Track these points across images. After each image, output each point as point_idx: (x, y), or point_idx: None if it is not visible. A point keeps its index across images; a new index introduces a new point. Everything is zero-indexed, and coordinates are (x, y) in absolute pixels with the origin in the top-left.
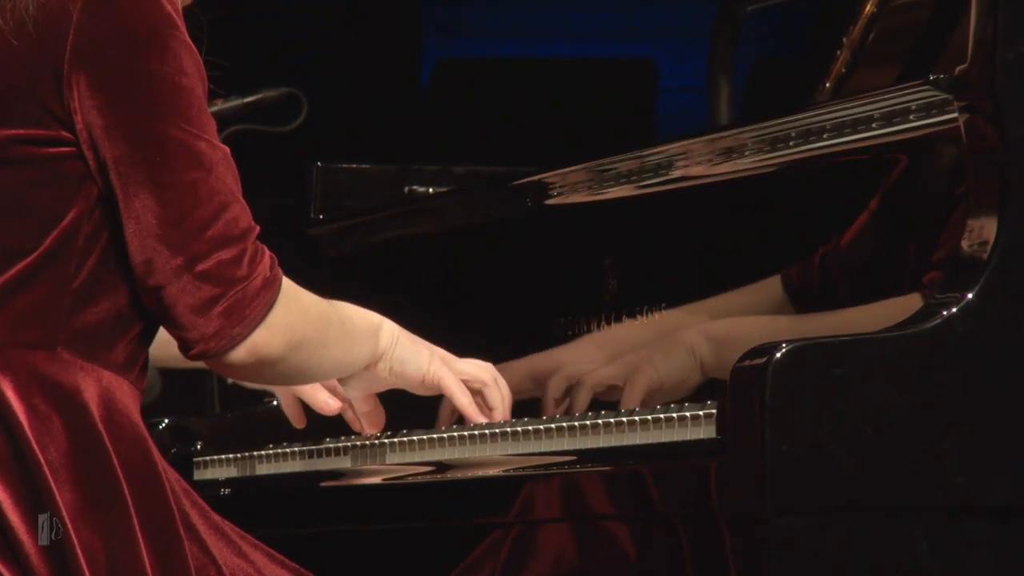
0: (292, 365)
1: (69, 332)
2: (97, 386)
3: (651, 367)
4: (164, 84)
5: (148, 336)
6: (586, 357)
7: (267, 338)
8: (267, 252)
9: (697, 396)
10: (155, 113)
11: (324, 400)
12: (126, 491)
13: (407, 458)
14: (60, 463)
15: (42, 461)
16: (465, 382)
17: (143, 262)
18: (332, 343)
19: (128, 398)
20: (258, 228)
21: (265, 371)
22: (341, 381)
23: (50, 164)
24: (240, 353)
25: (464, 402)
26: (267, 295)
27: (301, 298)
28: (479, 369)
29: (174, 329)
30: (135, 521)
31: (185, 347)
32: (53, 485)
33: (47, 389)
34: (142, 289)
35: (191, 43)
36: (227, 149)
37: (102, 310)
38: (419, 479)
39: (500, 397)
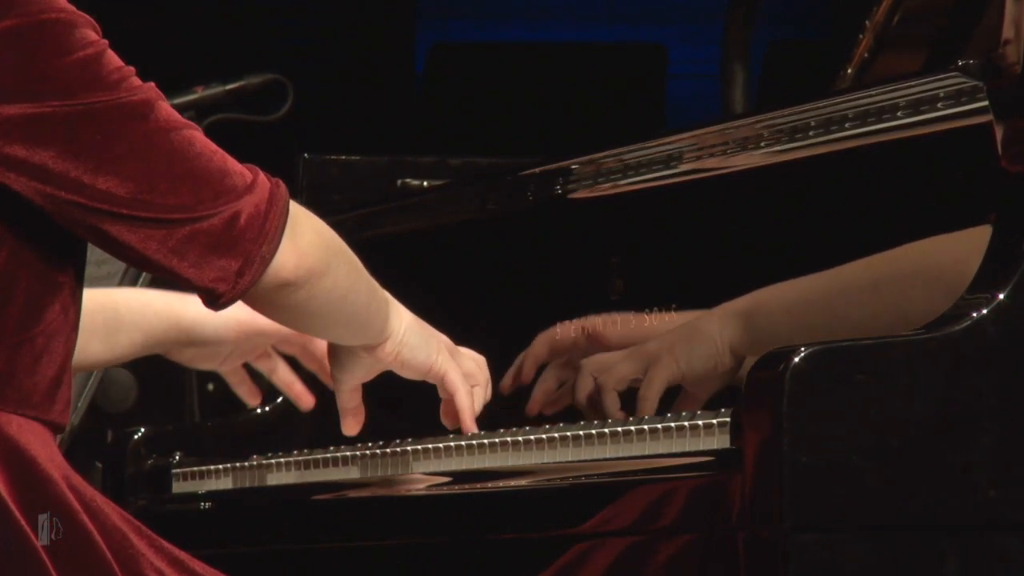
0: (337, 280)
1: None
2: None
3: (671, 358)
4: (73, 67)
5: (66, 367)
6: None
7: (302, 244)
8: (256, 168)
9: (717, 398)
10: (79, 93)
11: (301, 391)
12: (46, 560)
13: (407, 468)
14: None
15: None
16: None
17: (133, 239)
18: (361, 271)
19: (37, 440)
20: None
21: (315, 285)
22: (337, 367)
23: None
24: (283, 261)
25: (466, 404)
26: (278, 203)
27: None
28: (477, 368)
29: (196, 283)
30: None
31: (215, 296)
32: None
33: None
34: (143, 265)
35: (67, 4)
36: (150, 84)
37: (8, 347)
38: (417, 491)
39: (483, 401)
